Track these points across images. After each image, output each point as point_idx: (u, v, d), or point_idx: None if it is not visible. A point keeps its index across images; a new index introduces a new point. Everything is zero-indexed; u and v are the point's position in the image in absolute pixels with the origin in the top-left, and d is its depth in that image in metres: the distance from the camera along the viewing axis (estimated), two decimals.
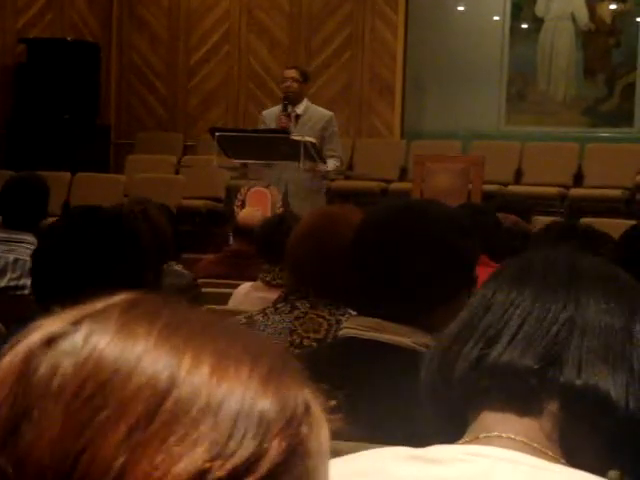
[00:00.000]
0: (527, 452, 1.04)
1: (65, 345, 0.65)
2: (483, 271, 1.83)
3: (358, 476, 1.03)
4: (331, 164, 7.27)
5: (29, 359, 0.65)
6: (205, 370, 0.64)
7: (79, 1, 10.99)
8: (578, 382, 1.06)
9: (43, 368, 0.64)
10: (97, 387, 0.63)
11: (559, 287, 1.12)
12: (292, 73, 7.41)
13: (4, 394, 0.64)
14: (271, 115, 7.41)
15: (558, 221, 3.15)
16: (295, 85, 7.32)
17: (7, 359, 0.65)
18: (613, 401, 1.06)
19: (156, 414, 0.62)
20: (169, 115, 11.20)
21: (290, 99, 7.29)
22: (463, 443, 1.07)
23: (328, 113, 7.45)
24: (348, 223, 2.31)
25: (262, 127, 7.48)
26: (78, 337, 0.65)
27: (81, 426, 0.62)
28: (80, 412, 0.62)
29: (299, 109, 7.33)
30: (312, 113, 7.36)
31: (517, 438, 1.06)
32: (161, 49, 11.19)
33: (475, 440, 1.06)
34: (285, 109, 7.26)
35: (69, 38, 10.57)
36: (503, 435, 1.06)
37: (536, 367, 1.07)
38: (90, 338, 0.65)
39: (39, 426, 0.62)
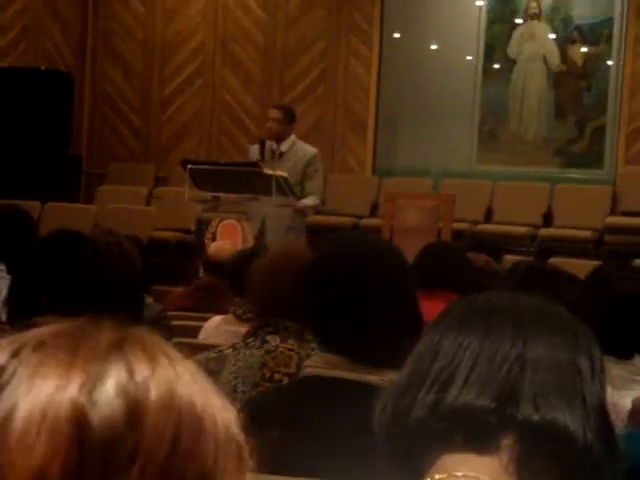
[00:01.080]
0: None
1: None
2: None
3: None
4: (310, 201, 7.25)
5: None
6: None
7: (53, 30, 10.98)
8: (536, 417, 1.07)
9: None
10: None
11: (505, 326, 1.13)
12: (274, 113, 7.36)
13: None
14: (255, 151, 7.41)
15: (524, 261, 3.18)
16: (276, 126, 7.27)
17: None
18: (571, 433, 1.07)
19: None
20: (141, 146, 11.18)
21: (272, 138, 7.29)
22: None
23: (312, 150, 7.43)
24: (305, 260, 2.39)
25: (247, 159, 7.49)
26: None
27: None
28: None
29: (284, 147, 7.31)
30: (297, 150, 7.34)
31: (481, 477, 1.05)
32: (135, 80, 11.19)
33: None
34: (262, 150, 7.23)
35: (42, 67, 10.56)
36: (469, 474, 1.06)
37: (493, 406, 1.07)
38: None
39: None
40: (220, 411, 0.66)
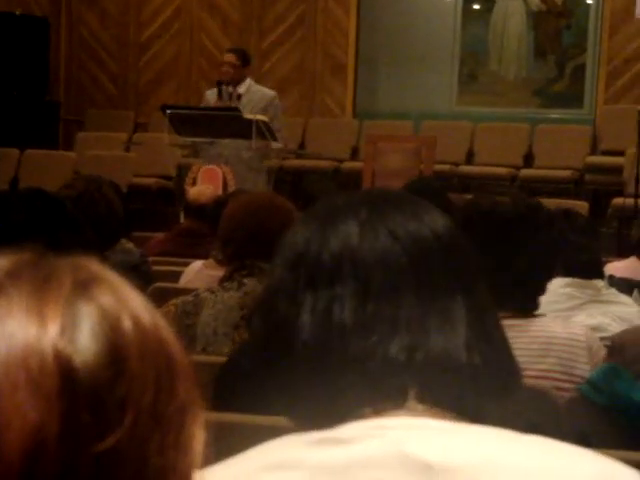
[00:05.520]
0: (432, 417, 1.03)
1: None
2: None
3: (275, 469, 0.99)
4: (277, 144, 7.22)
5: None
6: None
7: None
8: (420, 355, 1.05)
9: None
10: None
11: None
12: (230, 57, 7.34)
13: None
14: (213, 95, 7.40)
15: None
16: (232, 71, 7.25)
17: None
18: (454, 357, 1.05)
19: None
20: (120, 92, 11.09)
21: (226, 83, 7.26)
22: (369, 417, 1.04)
23: (270, 93, 7.41)
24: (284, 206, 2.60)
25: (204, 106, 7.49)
26: None
27: None
28: None
29: (241, 89, 7.31)
30: (254, 93, 7.33)
31: (418, 406, 1.04)
32: (111, 25, 11.07)
33: (380, 412, 1.04)
34: (220, 92, 7.24)
35: (17, 12, 10.43)
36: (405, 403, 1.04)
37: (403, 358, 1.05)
38: None
39: None
40: (170, 331, 0.66)
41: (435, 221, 1.12)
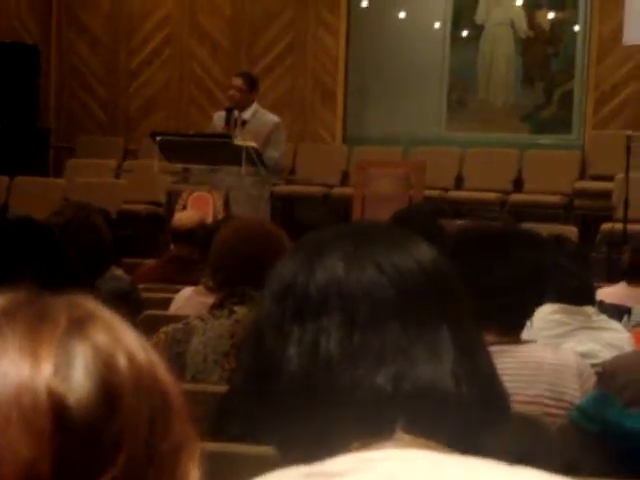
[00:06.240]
0: (419, 447, 1.03)
1: None
2: None
3: None
4: (271, 158, 7.15)
5: None
6: None
7: (18, 3, 10.86)
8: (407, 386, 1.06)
9: None
10: None
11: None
12: (238, 82, 7.29)
13: None
14: (220, 119, 7.36)
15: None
16: (238, 95, 7.21)
17: None
18: (441, 387, 1.06)
19: None
20: (110, 119, 11.11)
21: (234, 107, 7.23)
22: (357, 449, 1.04)
23: (275, 119, 7.36)
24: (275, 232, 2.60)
25: (210, 129, 7.44)
26: None
27: None
28: None
29: (246, 114, 7.24)
30: (259, 118, 7.28)
31: (406, 437, 1.04)
32: (101, 52, 11.10)
33: (369, 444, 1.04)
34: (228, 119, 7.20)
35: (7, 41, 10.44)
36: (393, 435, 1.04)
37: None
38: None
39: None
40: (165, 369, 0.66)
41: (422, 253, 1.13)
